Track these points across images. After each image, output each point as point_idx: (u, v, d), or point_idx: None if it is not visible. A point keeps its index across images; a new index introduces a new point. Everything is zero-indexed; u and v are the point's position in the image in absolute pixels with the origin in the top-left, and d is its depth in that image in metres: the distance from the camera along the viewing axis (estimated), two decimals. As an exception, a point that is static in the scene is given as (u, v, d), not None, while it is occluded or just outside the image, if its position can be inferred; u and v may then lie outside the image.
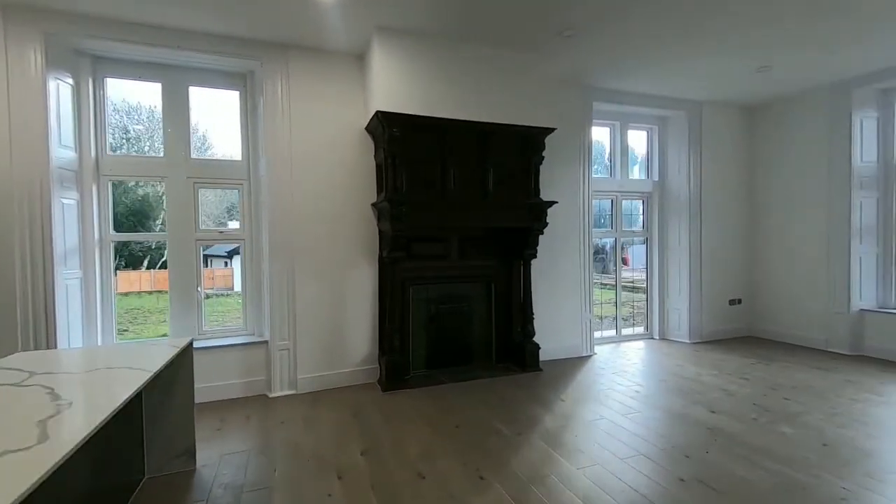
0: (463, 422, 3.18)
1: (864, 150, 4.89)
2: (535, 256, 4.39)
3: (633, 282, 6.36)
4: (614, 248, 5.72)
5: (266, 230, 3.82)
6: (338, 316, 4.01)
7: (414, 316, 4.26)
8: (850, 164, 4.85)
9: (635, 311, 6.23)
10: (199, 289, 3.90)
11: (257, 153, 3.94)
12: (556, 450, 2.74)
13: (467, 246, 4.39)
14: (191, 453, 2.59)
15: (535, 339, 4.53)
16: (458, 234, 4.34)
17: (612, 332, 5.71)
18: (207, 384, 3.69)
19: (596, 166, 5.64)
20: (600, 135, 5.59)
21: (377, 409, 3.46)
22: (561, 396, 3.68)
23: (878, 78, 4.62)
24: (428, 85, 3.74)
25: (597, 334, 5.61)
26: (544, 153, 4.29)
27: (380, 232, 4.05)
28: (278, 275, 3.82)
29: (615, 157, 5.61)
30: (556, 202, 4.35)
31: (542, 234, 4.32)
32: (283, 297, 3.84)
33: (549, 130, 4.18)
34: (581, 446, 2.79)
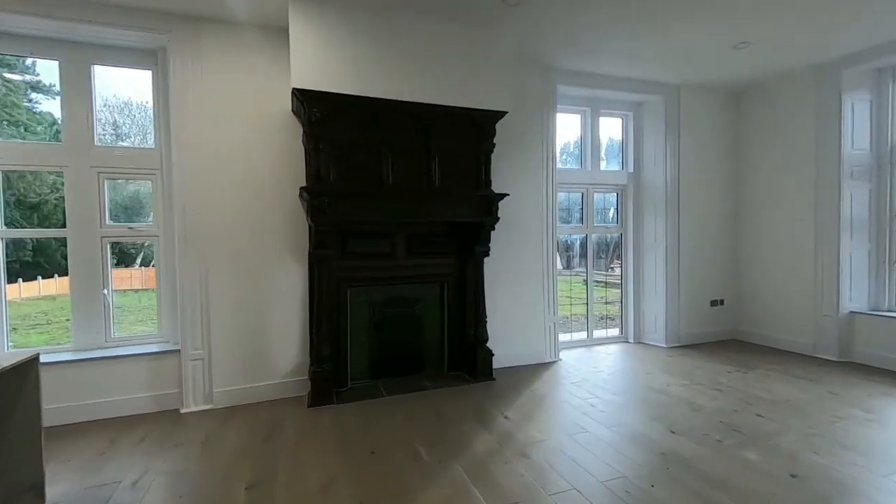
0: (382, 445, 2.77)
1: (856, 137, 4.44)
2: (487, 254, 3.98)
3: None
4: (584, 244, 5.29)
5: (177, 224, 3.40)
6: (261, 322, 3.60)
7: (354, 321, 3.85)
8: (840, 151, 4.40)
9: (611, 312, 5.81)
10: (104, 291, 3.49)
11: (171, 139, 3.52)
12: (477, 482, 2.33)
13: (417, 243, 3.97)
14: (38, 488, 2.19)
15: (492, 344, 4.12)
16: (405, 230, 3.92)
17: (584, 335, 5.29)
18: (112, 398, 3.29)
19: (565, 157, 5.23)
20: (570, 123, 5.15)
21: (294, 428, 3.06)
22: (504, 412, 3.26)
23: (872, 55, 4.16)
24: (357, 61, 3.31)
25: (566, 337, 5.20)
26: (496, 140, 3.87)
27: (308, 227, 3.63)
28: (190, 275, 3.41)
29: (586, 147, 5.17)
30: (508, 194, 3.92)
31: (494, 229, 3.90)
32: (195, 301, 3.43)
33: (500, 114, 3.75)
34: (506, 478, 2.37)
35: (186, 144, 3.39)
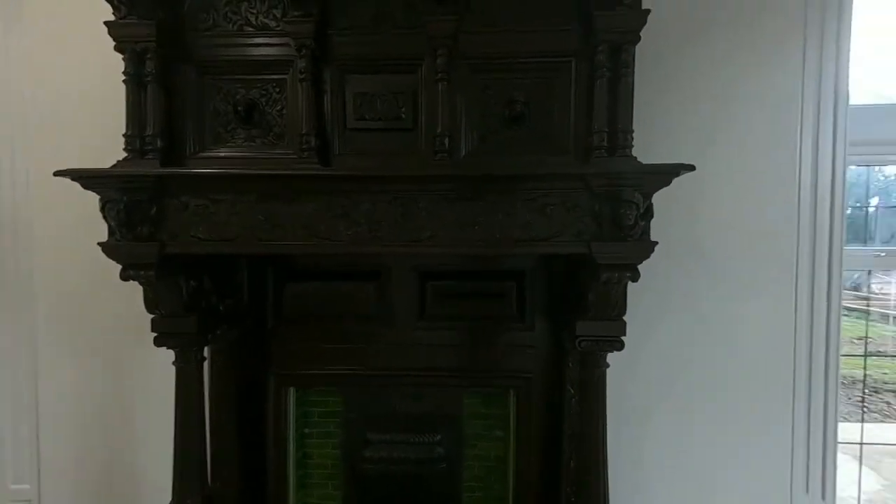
0: None
1: None
2: (617, 345, 1.39)
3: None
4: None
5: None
6: (127, 444, 1.84)
7: (305, 460, 1.82)
8: None
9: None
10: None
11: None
12: None
13: (440, 291, 1.70)
14: None
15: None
16: (408, 258, 1.69)
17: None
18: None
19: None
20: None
21: None
22: None
23: None
24: None
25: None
26: (642, 30, 1.27)
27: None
28: (5, 352, 1.86)
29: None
30: (691, 167, 1.24)
31: (635, 277, 1.30)
32: (16, 400, 1.86)
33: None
34: None
35: None
